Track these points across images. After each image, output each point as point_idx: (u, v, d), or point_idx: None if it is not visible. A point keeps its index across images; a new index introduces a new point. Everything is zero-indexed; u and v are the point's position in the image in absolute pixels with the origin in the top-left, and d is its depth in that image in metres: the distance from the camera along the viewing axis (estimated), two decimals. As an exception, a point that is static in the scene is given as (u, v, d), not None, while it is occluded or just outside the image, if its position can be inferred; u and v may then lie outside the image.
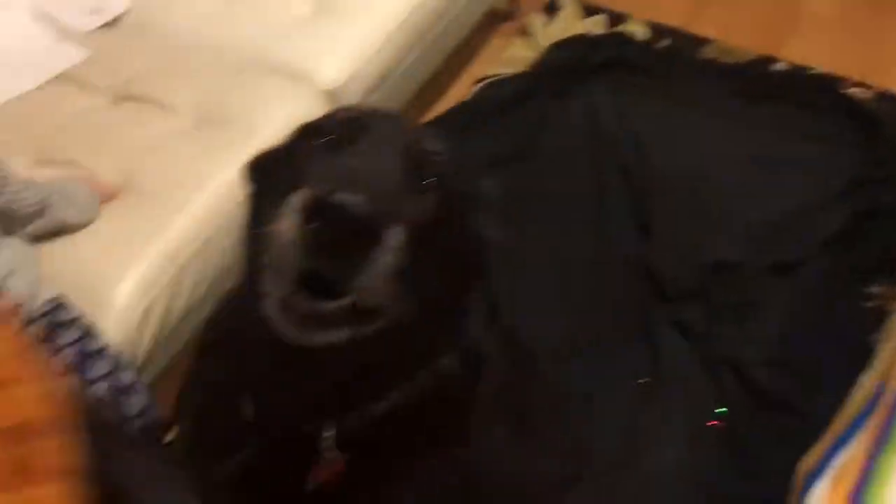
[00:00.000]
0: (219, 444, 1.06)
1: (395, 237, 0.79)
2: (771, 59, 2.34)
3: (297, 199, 0.79)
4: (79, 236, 1.43)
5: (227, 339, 1.09)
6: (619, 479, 1.61)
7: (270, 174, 0.98)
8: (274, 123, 1.63)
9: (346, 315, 0.81)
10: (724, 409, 1.72)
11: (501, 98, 2.26)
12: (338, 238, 0.76)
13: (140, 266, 1.44)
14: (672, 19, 2.45)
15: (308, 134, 0.94)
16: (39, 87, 1.68)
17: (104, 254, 1.43)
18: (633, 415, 1.72)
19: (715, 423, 1.72)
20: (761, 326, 1.84)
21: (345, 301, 0.80)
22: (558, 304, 1.86)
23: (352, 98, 1.79)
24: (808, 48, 2.34)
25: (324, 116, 0.98)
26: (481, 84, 2.31)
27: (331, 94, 1.75)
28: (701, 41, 2.40)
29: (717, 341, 1.81)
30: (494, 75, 2.33)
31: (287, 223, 0.79)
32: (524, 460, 1.19)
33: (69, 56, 1.73)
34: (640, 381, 1.77)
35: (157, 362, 1.51)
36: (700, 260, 1.91)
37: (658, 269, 1.90)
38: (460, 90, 2.31)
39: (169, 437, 1.33)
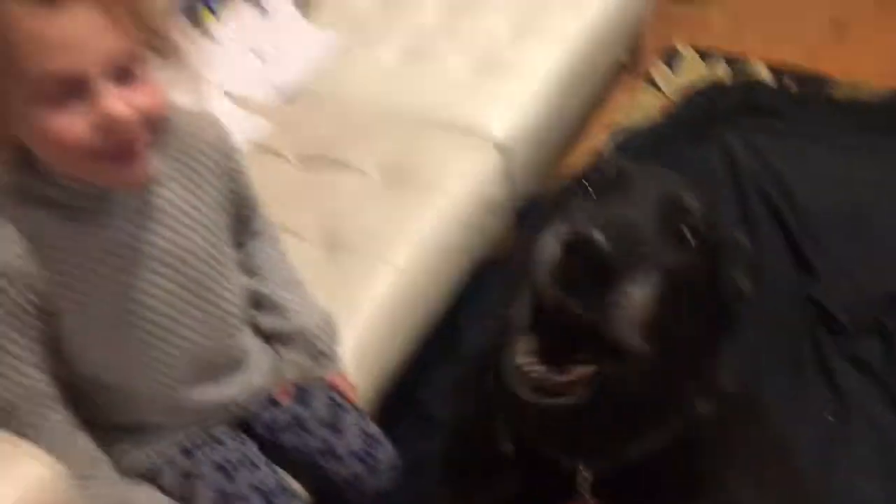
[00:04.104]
0: (481, 473, 1.10)
1: (644, 280, 0.84)
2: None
3: (556, 231, 0.85)
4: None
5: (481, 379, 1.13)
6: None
7: (543, 217, 1.03)
8: (455, 176, 1.71)
9: (577, 381, 0.88)
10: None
11: (637, 146, 2.30)
12: (587, 272, 0.81)
13: (353, 323, 1.46)
14: (790, 57, 2.50)
15: (578, 182, 1.00)
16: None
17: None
18: (826, 451, 1.70)
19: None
20: (942, 360, 1.82)
21: (575, 373, 0.88)
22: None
23: (518, 150, 1.84)
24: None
25: (593, 167, 1.03)
26: (615, 133, 2.36)
27: (501, 147, 1.81)
28: (824, 79, 2.44)
29: (896, 378, 1.80)
30: (624, 125, 2.38)
31: (546, 252, 0.84)
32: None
33: (256, 129, 1.85)
34: (829, 417, 1.75)
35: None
36: (873, 294, 1.90)
37: (831, 304, 1.89)
38: (594, 140, 2.37)
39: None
